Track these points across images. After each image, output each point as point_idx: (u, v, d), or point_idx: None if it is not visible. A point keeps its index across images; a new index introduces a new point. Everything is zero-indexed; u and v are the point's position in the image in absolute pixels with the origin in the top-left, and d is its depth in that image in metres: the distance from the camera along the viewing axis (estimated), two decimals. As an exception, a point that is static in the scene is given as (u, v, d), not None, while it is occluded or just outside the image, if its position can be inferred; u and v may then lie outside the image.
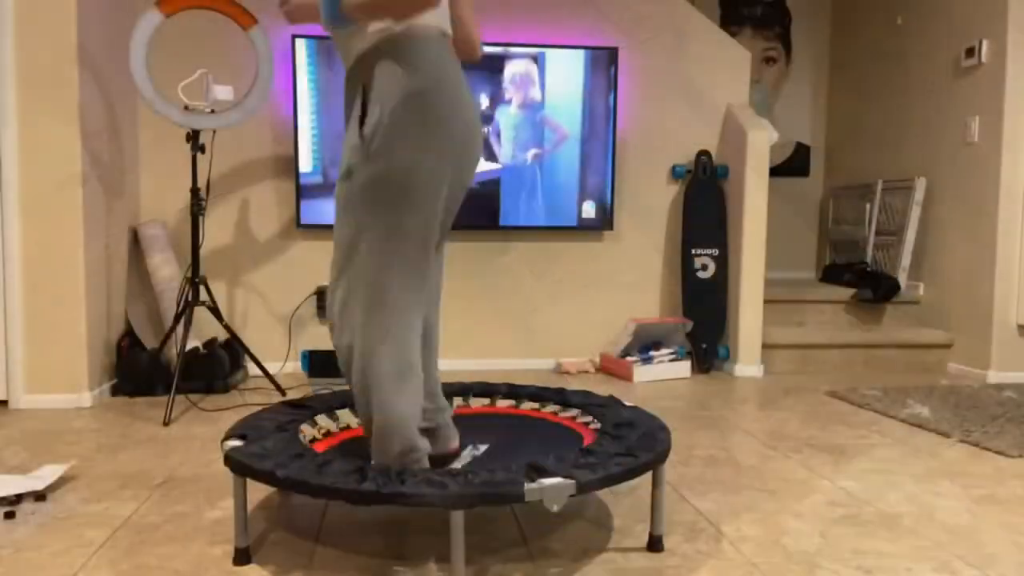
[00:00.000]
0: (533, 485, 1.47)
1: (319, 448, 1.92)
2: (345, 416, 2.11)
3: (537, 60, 3.81)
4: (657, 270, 4.13)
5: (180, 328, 3.12)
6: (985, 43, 3.79)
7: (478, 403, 2.29)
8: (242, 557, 1.67)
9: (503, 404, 2.29)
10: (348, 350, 1.69)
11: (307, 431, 1.95)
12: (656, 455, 1.68)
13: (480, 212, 3.82)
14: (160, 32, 3.37)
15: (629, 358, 3.75)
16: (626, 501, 2.06)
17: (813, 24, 5.34)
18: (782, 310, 4.29)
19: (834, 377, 3.87)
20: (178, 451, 2.50)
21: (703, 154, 4.00)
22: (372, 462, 1.69)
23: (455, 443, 1.89)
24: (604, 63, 3.86)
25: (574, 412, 2.12)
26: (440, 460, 1.81)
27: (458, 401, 2.26)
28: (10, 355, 3.03)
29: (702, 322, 3.93)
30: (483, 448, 1.92)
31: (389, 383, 1.65)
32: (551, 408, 2.20)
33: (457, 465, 1.83)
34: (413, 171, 1.63)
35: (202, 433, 2.72)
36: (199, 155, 3.19)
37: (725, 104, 4.08)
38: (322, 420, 2.07)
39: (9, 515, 1.91)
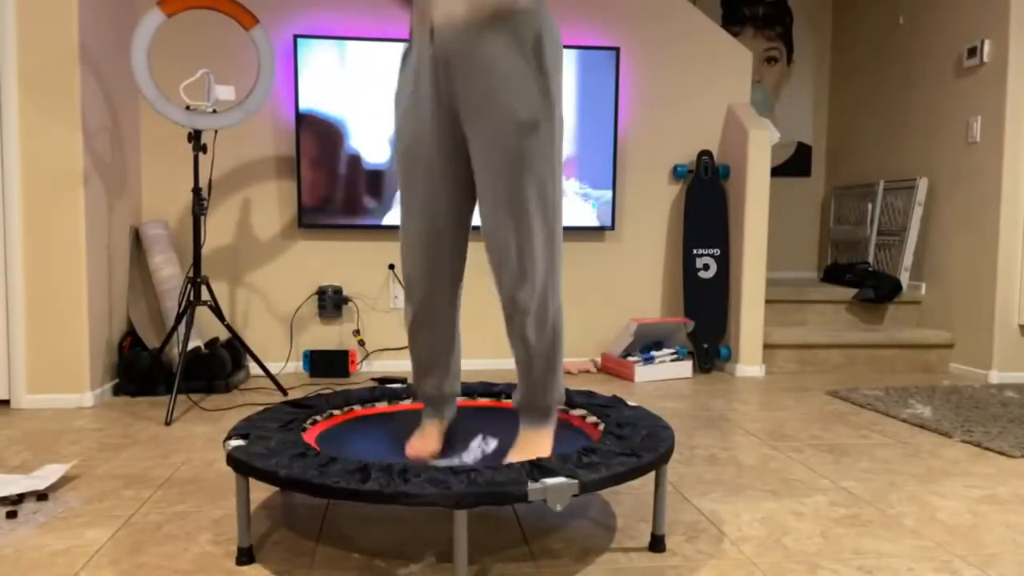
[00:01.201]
0: (537, 485, 1.47)
1: (309, 436, 1.91)
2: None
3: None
4: (658, 270, 4.13)
5: (182, 328, 3.12)
6: (987, 43, 3.79)
7: (484, 401, 2.29)
8: (244, 556, 1.67)
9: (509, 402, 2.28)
10: (557, 311, 1.77)
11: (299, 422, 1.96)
12: (659, 455, 1.68)
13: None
14: (162, 32, 3.37)
15: (630, 358, 3.75)
16: (628, 500, 2.06)
17: (814, 24, 5.34)
18: (784, 310, 4.29)
19: (835, 377, 3.87)
20: (180, 451, 2.50)
21: (704, 154, 4.00)
22: (548, 399, 1.80)
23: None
24: (605, 63, 3.86)
25: (581, 412, 2.12)
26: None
27: (464, 397, 2.26)
28: (12, 354, 3.04)
29: (703, 322, 3.93)
30: (493, 444, 1.93)
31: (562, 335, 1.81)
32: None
33: (467, 458, 1.84)
34: (563, 134, 1.73)
35: (204, 433, 2.72)
36: (201, 155, 3.19)
37: (726, 104, 4.08)
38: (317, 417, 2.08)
39: (11, 514, 1.91)
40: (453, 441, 1.94)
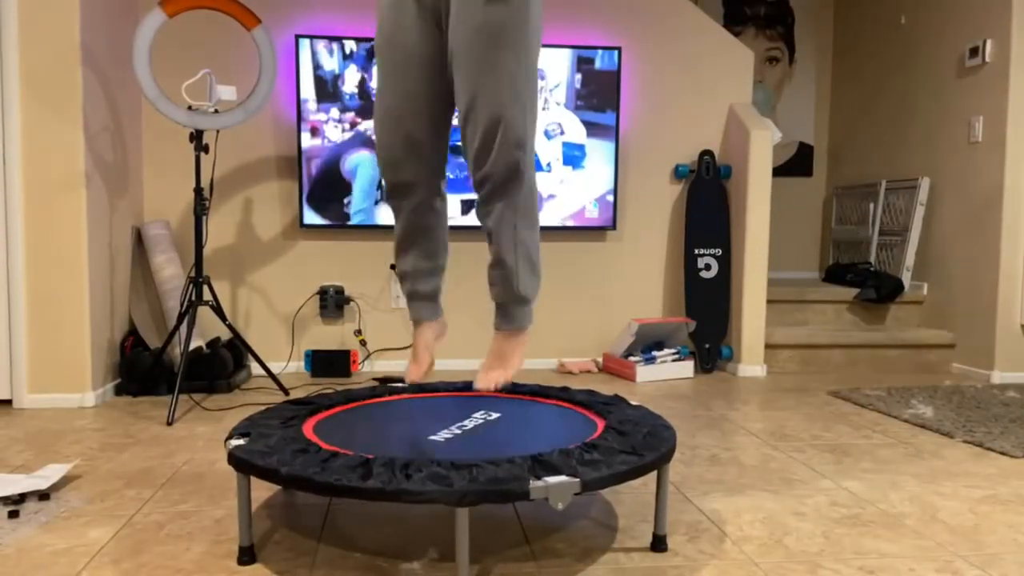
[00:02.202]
0: (538, 483, 1.47)
1: (307, 427, 1.91)
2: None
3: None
4: (660, 270, 4.13)
5: (183, 328, 3.12)
6: (989, 43, 3.79)
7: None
8: (246, 555, 1.67)
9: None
10: (532, 184, 1.77)
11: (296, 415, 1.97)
12: (661, 454, 1.67)
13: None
14: (163, 32, 3.38)
15: (632, 358, 3.75)
16: (629, 500, 2.06)
17: (816, 24, 5.34)
18: (785, 310, 4.29)
19: (837, 377, 3.87)
20: (181, 450, 2.50)
21: (706, 154, 4.00)
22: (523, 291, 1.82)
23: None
24: (607, 63, 3.86)
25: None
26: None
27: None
28: (14, 354, 3.04)
29: (705, 322, 3.93)
30: (495, 415, 1.95)
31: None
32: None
33: (469, 424, 1.87)
34: (540, 19, 1.74)
35: (205, 432, 2.72)
36: (202, 155, 3.19)
37: (728, 104, 4.08)
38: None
39: (13, 514, 1.91)
40: (455, 414, 1.97)
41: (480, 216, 1.80)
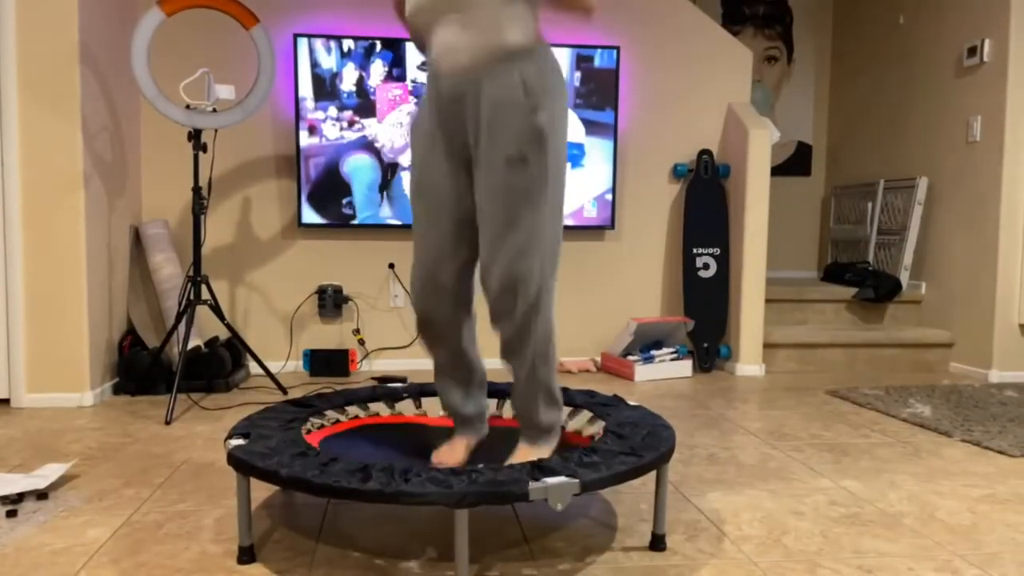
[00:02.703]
0: (538, 484, 1.47)
1: (312, 440, 1.93)
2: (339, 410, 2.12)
3: (539, 59, 3.81)
4: (658, 269, 4.13)
5: (182, 327, 3.12)
6: (987, 42, 3.79)
7: (509, 411, 2.27)
8: (245, 555, 1.67)
9: (508, 415, 2.28)
10: (547, 332, 1.81)
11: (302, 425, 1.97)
12: (660, 454, 1.68)
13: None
14: (162, 31, 3.37)
15: (630, 357, 3.76)
16: (628, 500, 2.06)
17: (815, 23, 5.34)
18: (784, 309, 4.29)
19: (835, 376, 3.87)
20: (180, 450, 2.50)
21: (704, 153, 4.00)
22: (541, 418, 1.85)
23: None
24: (606, 61, 3.86)
25: (579, 426, 2.12)
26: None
27: (491, 407, 2.25)
28: (12, 354, 3.04)
29: (703, 321, 3.93)
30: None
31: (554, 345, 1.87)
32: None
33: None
34: (564, 168, 1.80)
35: (204, 432, 2.72)
36: (201, 154, 3.19)
37: (727, 103, 4.08)
38: (318, 418, 2.08)
39: (11, 514, 1.91)
40: (476, 457, 1.97)
41: (501, 350, 1.84)
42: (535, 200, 1.73)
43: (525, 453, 1.85)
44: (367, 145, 3.74)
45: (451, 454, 1.93)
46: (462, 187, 1.81)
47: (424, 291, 1.87)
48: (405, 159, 3.77)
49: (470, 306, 1.93)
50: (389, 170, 3.77)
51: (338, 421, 2.13)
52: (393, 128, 3.76)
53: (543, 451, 1.86)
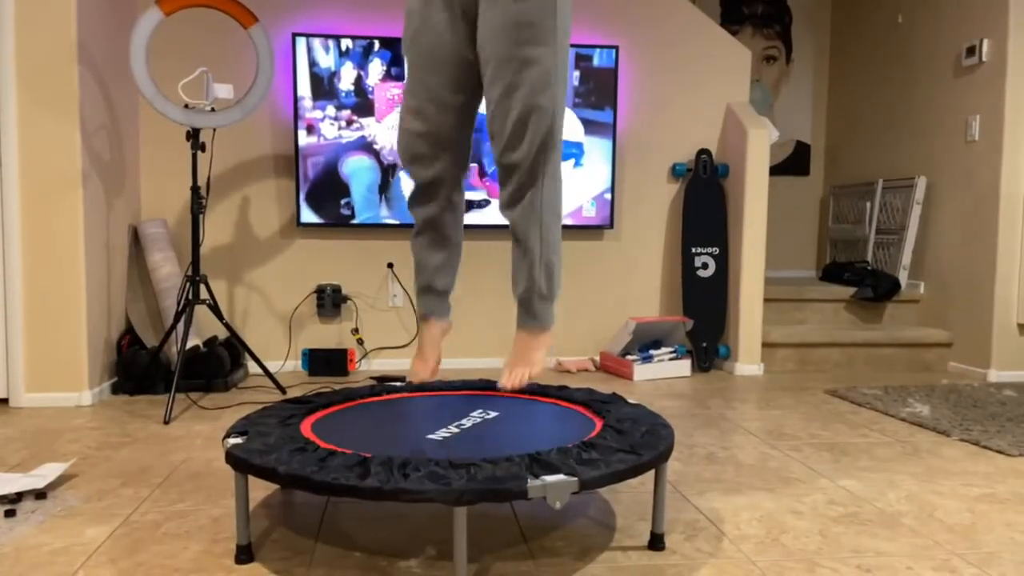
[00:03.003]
0: (536, 482, 1.46)
1: (305, 425, 1.91)
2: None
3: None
4: (657, 269, 4.13)
5: (180, 326, 3.12)
6: (986, 42, 3.80)
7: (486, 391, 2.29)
8: (243, 555, 1.67)
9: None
10: (558, 173, 1.81)
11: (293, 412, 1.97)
12: (659, 453, 1.67)
13: (480, 211, 3.83)
14: (160, 30, 3.37)
15: (629, 357, 3.76)
16: (627, 499, 2.06)
17: (813, 23, 5.34)
18: (782, 309, 4.29)
19: (834, 376, 3.88)
20: (179, 449, 2.50)
21: (703, 153, 4.00)
22: (543, 290, 1.86)
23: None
24: (605, 60, 3.86)
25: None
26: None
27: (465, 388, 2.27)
28: (11, 353, 3.03)
29: (702, 321, 3.94)
30: (493, 414, 1.96)
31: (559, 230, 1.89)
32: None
33: (467, 423, 1.87)
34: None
35: (203, 431, 2.72)
36: (199, 153, 3.19)
37: (725, 103, 4.08)
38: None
39: (10, 513, 1.91)
40: (453, 413, 1.97)
41: (507, 206, 1.82)
42: (544, 33, 1.71)
43: (525, 346, 1.85)
44: (366, 146, 3.74)
45: (423, 364, 1.92)
46: (461, 35, 1.79)
47: (423, 141, 1.82)
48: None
49: (467, 163, 1.90)
50: (389, 171, 3.77)
51: (331, 403, 2.11)
52: (392, 129, 3.76)
53: (543, 342, 1.86)
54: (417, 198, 1.92)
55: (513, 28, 1.70)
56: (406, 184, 3.76)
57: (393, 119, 3.76)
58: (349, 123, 3.72)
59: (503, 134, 1.74)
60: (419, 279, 2.00)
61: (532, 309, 1.89)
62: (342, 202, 3.75)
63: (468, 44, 1.80)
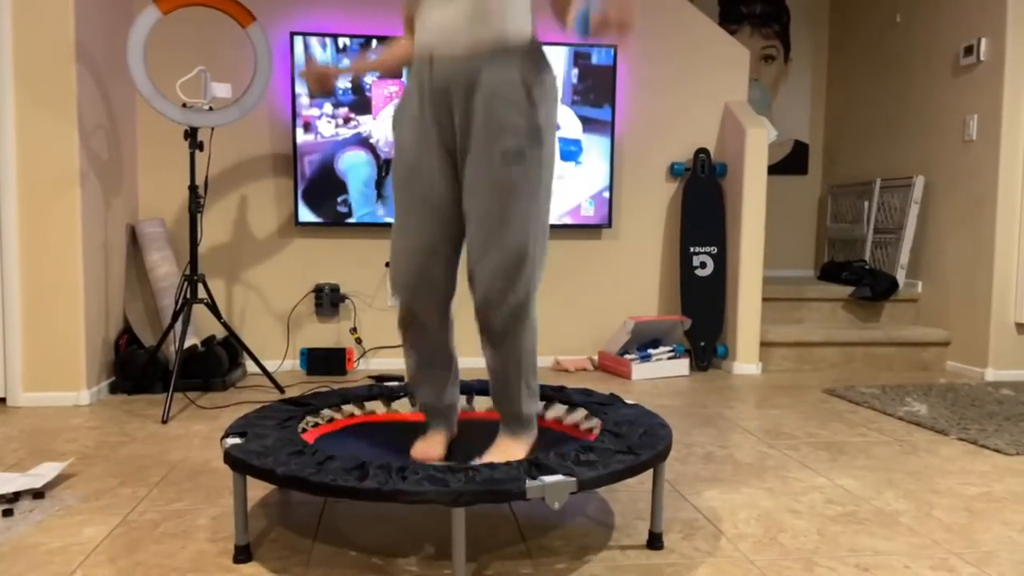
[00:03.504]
0: (535, 482, 1.47)
1: (309, 438, 1.92)
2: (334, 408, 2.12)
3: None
4: (655, 268, 4.13)
5: (178, 326, 3.11)
6: (984, 41, 3.80)
7: (481, 405, 2.28)
8: (241, 554, 1.67)
9: (481, 409, 2.28)
10: (534, 314, 1.82)
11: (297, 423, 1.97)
12: (657, 453, 1.68)
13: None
14: (158, 29, 3.37)
15: (627, 356, 3.76)
16: (625, 498, 2.06)
17: (812, 22, 5.35)
18: (780, 308, 4.29)
19: (832, 375, 3.88)
20: (177, 449, 2.50)
21: (702, 152, 4.00)
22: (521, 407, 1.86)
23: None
24: (604, 57, 3.86)
25: (577, 419, 2.11)
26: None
27: (461, 402, 2.26)
28: (8, 353, 3.03)
29: (700, 320, 3.94)
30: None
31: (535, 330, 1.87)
32: (553, 413, 2.19)
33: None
34: (554, 165, 1.82)
35: (201, 431, 2.72)
36: (197, 152, 3.19)
37: (724, 102, 4.08)
38: (314, 416, 2.08)
39: (7, 513, 1.90)
40: (454, 450, 1.96)
41: (484, 344, 1.83)
42: (529, 195, 1.73)
43: (506, 446, 1.85)
44: (362, 142, 3.74)
45: (431, 448, 1.91)
46: (449, 177, 1.80)
47: (413, 284, 1.83)
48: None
49: (453, 299, 1.91)
50: (385, 167, 3.77)
51: (333, 419, 2.12)
52: (388, 122, 3.75)
53: (524, 444, 1.86)
54: (412, 335, 1.91)
55: (495, 190, 1.71)
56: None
57: (389, 111, 3.74)
58: (346, 121, 3.72)
59: (481, 287, 1.75)
60: (419, 402, 1.99)
61: (510, 426, 1.89)
62: (339, 199, 3.75)
63: (457, 189, 1.81)
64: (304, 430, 1.97)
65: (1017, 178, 3.73)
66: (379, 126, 3.75)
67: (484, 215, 1.72)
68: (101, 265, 3.25)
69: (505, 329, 1.77)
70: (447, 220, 1.81)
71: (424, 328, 1.89)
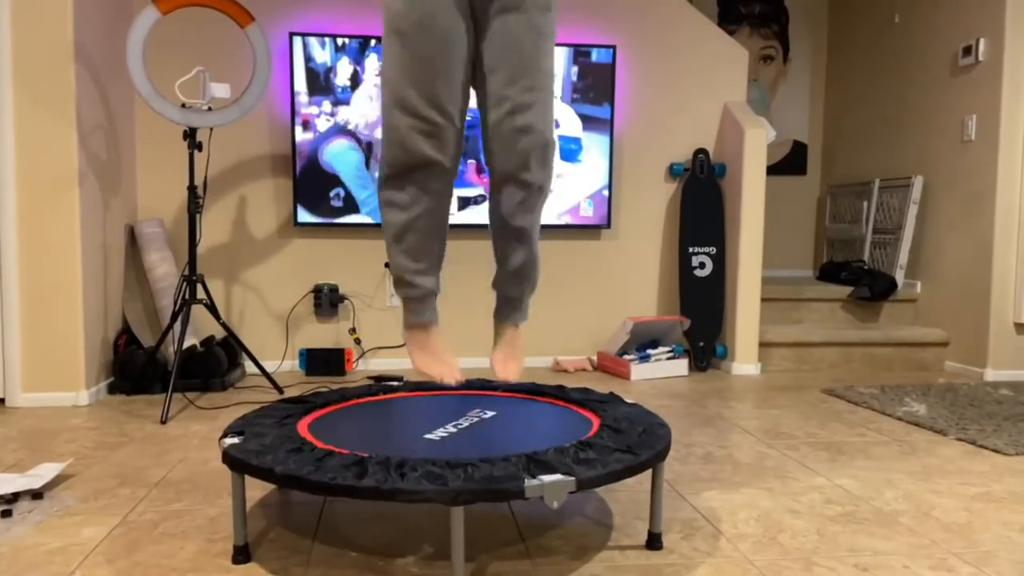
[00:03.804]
0: (534, 481, 1.46)
1: (302, 425, 1.90)
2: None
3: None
4: (654, 268, 4.13)
5: (177, 326, 3.11)
6: (982, 41, 3.80)
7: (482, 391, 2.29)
8: (240, 554, 1.67)
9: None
10: (547, 184, 1.89)
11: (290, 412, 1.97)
12: (656, 453, 1.68)
13: (478, 211, 3.82)
14: (157, 29, 3.36)
15: (626, 356, 3.76)
16: (624, 498, 2.06)
17: (811, 22, 5.35)
18: (779, 308, 4.29)
19: (831, 375, 3.88)
20: (176, 449, 2.50)
21: (701, 152, 4.01)
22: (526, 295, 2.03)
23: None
24: (604, 56, 3.86)
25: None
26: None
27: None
28: (7, 353, 3.03)
29: (699, 320, 3.94)
30: (490, 414, 1.98)
31: None
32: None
33: (464, 423, 1.89)
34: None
35: (199, 431, 2.72)
36: (196, 153, 3.18)
37: (723, 102, 4.08)
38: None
39: (6, 513, 1.90)
40: (450, 413, 1.98)
41: (515, 215, 1.86)
42: (550, 48, 1.82)
43: (513, 339, 2.01)
44: (342, 130, 3.73)
45: (444, 366, 1.98)
46: (465, 31, 1.82)
47: (430, 134, 1.80)
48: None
49: (460, 155, 1.91)
50: (369, 148, 3.75)
51: (328, 403, 2.10)
52: (363, 103, 3.72)
53: (520, 333, 2.04)
54: (416, 185, 1.85)
55: (534, 35, 1.78)
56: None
57: (361, 93, 3.72)
58: (331, 114, 3.72)
59: (507, 141, 1.77)
60: (415, 279, 1.94)
61: (521, 306, 2.01)
62: (331, 193, 3.73)
63: (469, 38, 1.82)
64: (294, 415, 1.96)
65: (1016, 178, 3.73)
66: (354, 111, 3.72)
67: (514, 61, 1.77)
68: (100, 265, 3.25)
69: (529, 194, 1.83)
70: (461, 73, 1.83)
71: (431, 180, 1.84)
